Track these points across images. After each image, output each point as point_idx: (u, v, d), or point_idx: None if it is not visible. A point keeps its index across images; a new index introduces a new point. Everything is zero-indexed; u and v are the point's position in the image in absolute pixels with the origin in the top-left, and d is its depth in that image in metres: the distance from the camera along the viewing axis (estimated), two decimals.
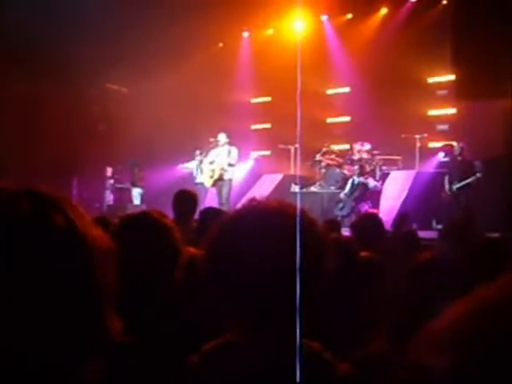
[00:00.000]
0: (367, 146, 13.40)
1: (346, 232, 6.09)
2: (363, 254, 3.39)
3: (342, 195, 12.59)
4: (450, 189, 11.60)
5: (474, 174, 11.36)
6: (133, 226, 2.34)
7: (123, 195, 14.92)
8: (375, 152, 13.44)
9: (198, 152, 13.75)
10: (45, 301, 0.91)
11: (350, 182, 12.75)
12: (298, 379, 1.32)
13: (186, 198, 5.36)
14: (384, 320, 2.15)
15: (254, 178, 14.65)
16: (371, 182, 12.67)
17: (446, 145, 12.54)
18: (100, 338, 0.97)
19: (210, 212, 5.00)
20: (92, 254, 0.97)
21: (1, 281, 0.89)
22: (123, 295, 2.21)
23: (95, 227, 1.03)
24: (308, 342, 1.45)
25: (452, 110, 14.24)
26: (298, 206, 1.47)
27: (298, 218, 1.40)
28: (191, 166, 13.70)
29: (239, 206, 1.54)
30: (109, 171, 15.21)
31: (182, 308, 2.31)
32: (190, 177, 13.92)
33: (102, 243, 1.01)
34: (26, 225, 0.93)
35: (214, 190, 12.86)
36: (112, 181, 15.19)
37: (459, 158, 11.73)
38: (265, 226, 1.42)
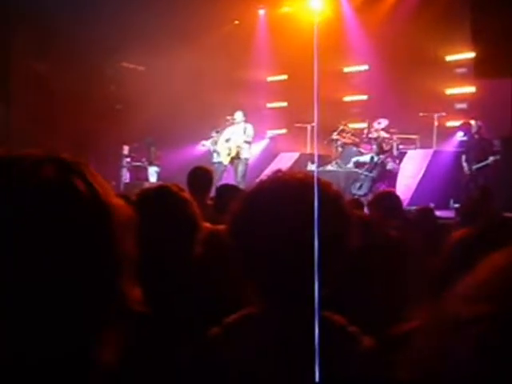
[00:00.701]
0: (385, 124, 13.29)
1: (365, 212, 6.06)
2: (380, 231, 3.35)
3: (360, 170, 12.54)
4: (469, 168, 11.50)
5: (492, 154, 11.24)
6: (151, 199, 2.33)
7: (140, 173, 14.97)
8: (393, 130, 13.33)
9: (214, 131, 13.73)
10: (67, 266, 0.90)
11: (368, 157, 12.68)
12: (316, 354, 1.30)
13: (201, 175, 5.34)
14: (415, 299, 2.12)
15: (270, 156, 14.60)
16: (389, 164, 12.60)
17: (464, 123, 12.40)
18: (120, 305, 0.96)
19: (226, 188, 4.99)
20: (113, 221, 0.96)
21: (25, 246, 0.88)
22: (141, 268, 2.21)
23: (116, 196, 1.02)
24: (331, 315, 1.43)
25: (471, 89, 14.05)
26: (321, 179, 1.45)
27: (322, 191, 1.38)
28: (210, 144, 13.67)
29: (263, 178, 1.51)
30: (125, 149, 15.24)
31: (199, 282, 2.31)
32: (207, 156, 13.91)
33: (123, 212, 1.00)
34: (49, 191, 0.92)
35: (230, 169, 12.88)
36: (129, 159, 15.23)
37: (477, 137, 11.62)
38: (290, 197, 1.40)
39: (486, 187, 8.81)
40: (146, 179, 14.36)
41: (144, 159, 14.94)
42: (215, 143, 13.37)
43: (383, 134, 13.14)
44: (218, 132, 13.53)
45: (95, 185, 0.98)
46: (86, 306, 0.92)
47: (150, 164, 14.75)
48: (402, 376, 0.68)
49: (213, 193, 5.41)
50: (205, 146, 13.83)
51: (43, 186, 0.92)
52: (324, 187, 1.42)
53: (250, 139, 12.73)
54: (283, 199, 1.39)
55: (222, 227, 2.33)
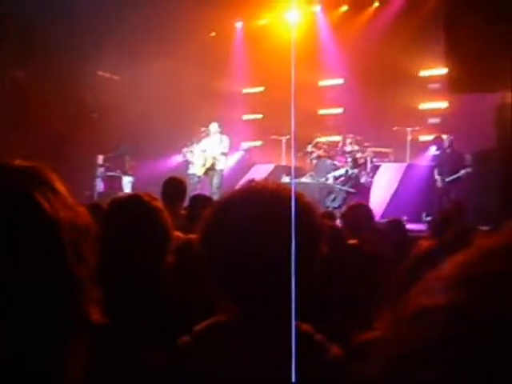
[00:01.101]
0: (358, 138, 13.41)
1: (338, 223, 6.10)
2: (352, 241, 3.39)
3: (332, 183, 12.61)
4: (441, 181, 11.64)
5: (463, 167, 11.40)
6: (123, 207, 2.32)
7: (114, 183, 14.88)
8: (367, 144, 13.45)
9: (189, 142, 13.73)
10: (22, 279, 0.88)
11: (343, 170, 12.76)
12: (293, 365, 1.32)
13: (174, 185, 5.35)
14: (375, 308, 2.15)
15: (245, 168, 14.64)
16: (363, 177, 12.71)
17: (436, 137, 12.56)
18: (79, 317, 0.95)
19: (199, 199, 5.00)
20: (62, 238, 0.94)
21: None
22: (113, 277, 2.21)
23: (70, 208, 1.00)
24: (299, 324, 1.44)
25: (444, 104, 14.26)
26: (294, 190, 1.47)
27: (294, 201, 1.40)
28: (188, 153, 13.61)
29: (237, 187, 1.52)
30: (100, 159, 15.14)
31: (170, 291, 2.30)
32: (182, 166, 13.89)
33: (78, 223, 0.98)
34: (6, 203, 0.91)
35: (205, 180, 12.87)
36: (103, 169, 15.14)
37: (448, 151, 11.78)
38: (262, 206, 1.41)
39: (459, 202, 8.93)
40: (121, 189, 14.28)
41: (118, 169, 14.87)
42: (191, 153, 13.39)
43: (357, 148, 13.25)
44: (193, 143, 13.54)
45: (43, 203, 0.95)
46: (43, 318, 0.90)
47: (124, 174, 14.68)
48: (368, 372, 0.69)
49: (187, 202, 5.42)
50: (186, 152, 13.76)
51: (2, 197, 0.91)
52: (296, 197, 1.44)
53: (226, 150, 12.76)
54: (255, 209, 1.41)
55: (194, 236, 2.34)
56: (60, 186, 1.00)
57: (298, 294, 1.42)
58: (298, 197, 1.45)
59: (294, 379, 1.28)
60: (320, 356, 1.40)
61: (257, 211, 1.41)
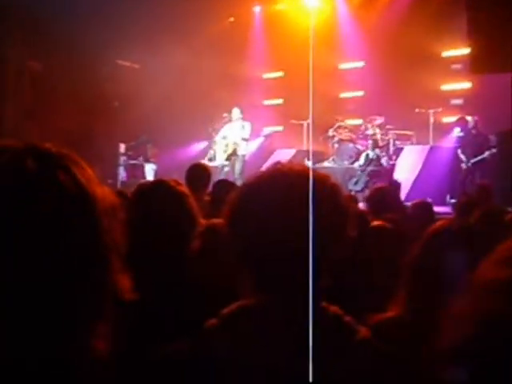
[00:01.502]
0: (380, 121, 13.31)
1: (361, 206, 6.07)
2: (375, 223, 3.37)
3: (356, 167, 12.56)
4: (465, 163, 11.51)
5: (488, 149, 11.27)
6: (149, 193, 2.33)
7: (136, 171, 14.95)
8: (388, 127, 13.34)
9: (210, 129, 13.75)
10: (53, 259, 0.89)
11: (364, 155, 12.69)
12: (310, 343, 1.31)
13: (199, 172, 5.36)
14: (399, 287, 2.14)
15: (266, 153, 14.60)
16: (385, 160, 12.63)
17: (460, 118, 12.41)
18: (110, 294, 0.96)
19: (223, 184, 4.99)
20: (97, 211, 0.95)
21: (8, 241, 0.87)
22: (138, 263, 2.21)
23: (100, 185, 1.01)
24: (328, 306, 1.44)
25: (467, 84, 14.06)
26: (319, 171, 1.45)
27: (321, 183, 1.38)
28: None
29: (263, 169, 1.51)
30: (122, 147, 15.22)
31: (196, 277, 2.31)
32: (204, 153, 13.93)
33: (107, 200, 0.99)
34: (30, 184, 0.91)
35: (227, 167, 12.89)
36: (125, 157, 15.21)
37: (473, 132, 11.64)
38: (289, 188, 1.40)
39: (485, 184, 8.81)
40: (143, 177, 14.34)
41: (141, 157, 14.93)
42: (214, 142, 13.42)
43: (379, 131, 13.16)
44: (214, 129, 13.54)
45: (78, 175, 0.96)
46: (76, 296, 0.91)
47: (147, 161, 14.74)
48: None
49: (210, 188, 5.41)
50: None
51: (23, 179, 0.91)
52: (322, 179, 1.43)
53: (247, 136, 12.74)
54: (281, 191, 1.39)
55: (217, 221, 2.34)
56: (89, 168, 1.01)
57: (327, 276, 1.41)
58: (324, 179, 1.44)
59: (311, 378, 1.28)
60: (349, 337, 1.39)
61: (283, 193, 1.39)
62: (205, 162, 12.49)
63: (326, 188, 1.43)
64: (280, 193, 1.40)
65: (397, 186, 7.66)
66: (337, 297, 1.51)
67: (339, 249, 1.44)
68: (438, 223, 2.24)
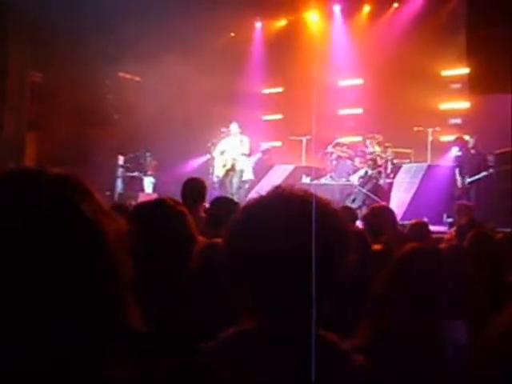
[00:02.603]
0: (379, 138, 13.35)
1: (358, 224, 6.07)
2: (376, 246, 3.38)
3: (354, 184, 12.57)
4: (462, 182, 11.54)
5: (486, 169, 11.30)
6: (148, 212, 2.34)
7: (135, 184, 14.94)
8: (387, 145, 13.39)
9: (209, 143, 13.77)
10: (61, 289, 0.89)
11: (362, 171, 12.72)
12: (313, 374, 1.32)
13: (194, 186, 5.33)
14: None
15: (264, 168, 14.61)
16: (383, 178, 12.66)
17: (459, 138, 12.44)
18: (120, 327, 0.96)
19: (221, 201, 4.99)
20: (110, 244, 0.96)
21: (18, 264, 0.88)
22: (137, 283, 2.22)
23: (113, 215, 1.01)
24: (324, 333, 1.44)
25: (465, 104, 14.13)
26: (319, 196, 1.47)
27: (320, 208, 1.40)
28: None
29: (258, 194, 1.52)
30: (120, 160, 15.22)
31: (196, 297, 2.31)
32: (204, 167, 13.95)
33: (116, 231, 0.99)
34: (45, 209, 0.92)
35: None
36: (123, 169, 15.22)
37: (472, 152, 11.67)
38: (289, 213, 1.41)
39: (464, 204, 8.84)
40: (142, 190, 14.34)
41: (139, 170, 14.92)
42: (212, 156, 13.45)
43: (377, 148, 13.19)
44: (213, 144, 13.56)
45: (96, 207, 0.97)
46: (83, 329, 0.91)
47: (145, 174, 14.74)
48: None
49: (208, 204, 5.40)
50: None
51: (39, 204, 0.92)
52: (323, 205, 1.44)
53: (247, 151, 12.74)
54: (282, 215, 1.41)
55: (218, 241, 2.35)
56: (96, 193, 1.02)
57: (325, 302, 1.42)
58: (325, 204, 1.46)
59: None
60: (345, 366, 1.40)
61: (283, 218, 1.41)
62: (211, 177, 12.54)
63: (328, 213, 1.45)
64: (280, 217, 1.41)
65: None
66: (336, 323, 1.52)
67: (339, 273, 1.45)
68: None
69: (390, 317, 1.99)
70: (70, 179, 0.99)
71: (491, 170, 11.17)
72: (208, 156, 14.16)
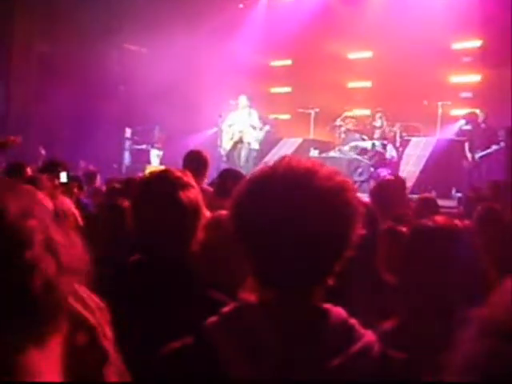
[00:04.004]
0: (388, 112, 13.24)
1: (364, 197, 6.02)
2: (388, 223, 3.33)
3: (361, 157, 12.52)
4: (472, 157, 11.44)
5: (496, 143, 11.19)
6: (154, 183, 2.30)
7: (141, 156, 14.93)
8: (396, 118, 13.27)
9: (218, 116, 13.70)
10: None
11: (369, 143, 12.66)
12: None
13: (195, 158, 5.28)
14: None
15: (272, 141, 14.55)
16: (389, 150, 12.56)
17: (470, 113, 12.29)
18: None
19: (229, 173, 4.95)
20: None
21: None
22: (142, 252, 2.19)
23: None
24: (332, 308, 1.41)
25: (476, 77, 13.96)
26: (327, 167, 1.42)
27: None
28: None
29: (268, 162, 1.48)
30: (128, 132, 15.19)
31: (201, 268, 2.28)
32: (211, 140, 13.90)
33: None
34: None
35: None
36: (131, 142, 15.20)
37: (483, 126, 11.55)
38: (296, 185, 1.36)
39: (498, 181, 8.68)
40: (148, 162, 14.33)
41: (146, 143, 14.90)
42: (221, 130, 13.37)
43: (386, 122, 13.09)
44: (221, 116, 13.48)
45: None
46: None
47: (152, 147, 14.71)
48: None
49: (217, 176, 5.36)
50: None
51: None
52: (330, 175, 1.39)
53: (255, 124, 12.67)
54: (288, 186, 1.36)
55: (223, 213, 2.31)
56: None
57: (334, 276, 1.38)
58: (332, 175, 1.40)
59: None
60: (354, 341, 1.37)
61: (290, 189, 1.36)
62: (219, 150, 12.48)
63: (335, 184, 1.39)
64: (287, 189, 1.36)
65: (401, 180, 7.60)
66: (343, 297, 1.48)
67: (347, 247, 1.40)
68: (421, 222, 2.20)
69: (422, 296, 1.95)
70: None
71: (502, 144, 11.05)
72: (215, 129, 14.08)
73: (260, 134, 12.89)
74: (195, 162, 5.19)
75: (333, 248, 1.37)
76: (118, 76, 15.06)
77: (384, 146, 12.60)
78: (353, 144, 13.07)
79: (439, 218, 2.10)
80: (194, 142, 14.18)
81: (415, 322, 1.92)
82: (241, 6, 16.68)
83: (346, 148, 13.17)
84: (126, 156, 15.13)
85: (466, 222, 2.19)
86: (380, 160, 12.39)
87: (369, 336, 1.39)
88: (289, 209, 1.34)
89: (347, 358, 1.33)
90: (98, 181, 8.05)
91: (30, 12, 13.62)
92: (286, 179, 1.37)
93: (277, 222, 1.34)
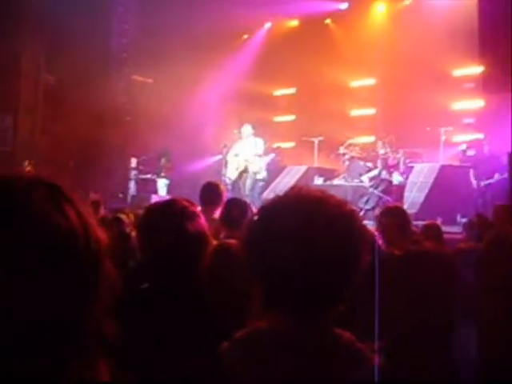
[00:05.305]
0: (391, 139, 13.30)
1: (370, 225, 6.05)
2: (390, 250, 3.36)
3: (367, 185, 12.54)
4: (477, 184, 11.46)
5: (500, 169, 11.21)
6: (161, 212, 2.34)
7: (148, 186, 14.95)
8: (399, 145, 13.33)
9: (222, 145, 13.76)
10: (37, 293, 0.88)
11: (375, 171, 12.68)
12: None
13: (211, 190, 5.34)
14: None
15: (277, 169, 14.60)
16: (396, 177, 12.59)
17: (474, 139, 12.36)
18: (87, 340, 0.94)
19: (234, 202, 4.98)
20: (96, 257, 0.94)
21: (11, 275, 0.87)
22: (150, 280, 2.22)
23: (101, 229, 1.00)
24: (341, 333, 1.44)
25: (478, 103, 14.06)
26: (336, 196, 1.46)
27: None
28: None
29: (275, 194, 1.52)
30: (133, 162, 15.27)
31: (206, 295, 2.31)
32: (216, 168, 13.95)
33: (104, 246, 0.98)
34: (41, 219, 0.90)
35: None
36: (136, 171, 15.26)
37: (486, 152, 11.60)
38: (307, 213, 1.41)
39: (505, 205, 8.68)
40: (155, 192, 14.35)
41: (152, 172, 14.94)
42: (226, 157, 13.41)
43: (390, 149, 13.14)
44: (225, 146, 13.54)
45: (86, 216, 0.95)
46: (51, 340, 0.90)
47: (159, 176, 14.75)
48: None
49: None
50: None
51: (34, 214, 0.91)
52: (339, 205, 1.44)
53: (260, 152, 12.71)
54: (300, 215, 1.41)
55: (232, 241, 2.34)
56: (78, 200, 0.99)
57: (343, 302, 1.42)
58: (341, 204, 1.45)
59: None
60: (361, 365, 1.40)
61: (301, 218, 1.41)
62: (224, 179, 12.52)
63: (345, 212, 1.44)
64: (298, 217, 1.41)
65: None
66: (351, 322, 1.51)
67: (355, 274, 1.44)
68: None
69: (405, 320, 1.99)
70: (45, 184, 0.97)
71: (504, 175, 11.07)
72: (220, 156, 14.15)
73: (265, 162, 12.95)
74: (212, 194, 5.27)
75: (343, 273, 1.41)
76: (124, 107, 15.20)
77: (390, 174, 12.64)
78: (364, 177, 13.02)
79: (428, 244, 2.13)
80: (198, 170, 14.25)
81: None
82: (245, 36, 16.87)
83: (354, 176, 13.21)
84: (132, 186, 15.18)
85: (472, 243, 2.22)
86: (386, 187, 12.41)
87: (375, 359, 1.42)
88: (301, 235, 1.38)
89: (356, 381, 1.36)
90: (102, 210, 8.08)
91: (37, 44, 13.82)
92: (298, 207, 1.42)
93: (289, 249, 1.38)
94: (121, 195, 14.57)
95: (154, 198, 12.60)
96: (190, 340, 2.01)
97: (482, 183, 11.36)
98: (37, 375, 0.88)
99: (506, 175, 11.06)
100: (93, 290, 0.93)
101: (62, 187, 0.96)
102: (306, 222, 1.39)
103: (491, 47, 11.28)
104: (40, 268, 0.88)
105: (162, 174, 14.73)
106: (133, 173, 15.25)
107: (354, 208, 1.51)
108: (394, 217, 5.00)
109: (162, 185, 14.54)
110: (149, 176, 14.96)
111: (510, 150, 11.23)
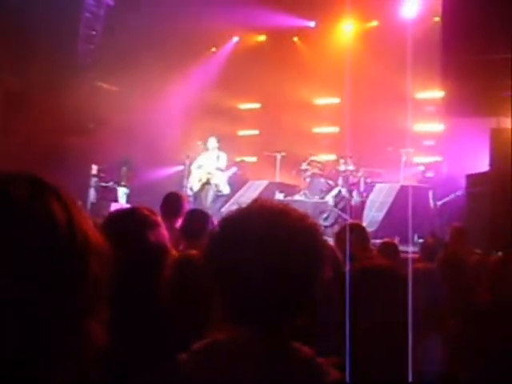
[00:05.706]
0: (353, 158, 13.46)
1: (329, 241, 6.09)
2: (355, 265, 3.38)
3: (327, 202, 12.63)
4: (435, 204, 11.68)
5: (458, 190, 11.44)
6: (121, 221, 2.32)
7: (108, 194, 14.78)
8: (360, 164, 13.49)
9: (185, 156, 13.72)
10: (32, 294, 0.87)
11: (336, 190, 12.79)
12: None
13: (173, 201, 5.34)
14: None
15: (238, 183, 14.61)
16: (355, 197, 12.72)
17: (434, 161, 12.61)
18: (77, 342, 0.93)
19: (195, 213, 4.98)
20: (87, 252, 0.93)
21: None
22: (108, 292, 2.20)
23: (92, 226, 0.98)
24: (300, 347, 1.45)
25: (439, 126, 14.34)
26: (298, 210, 1.48)
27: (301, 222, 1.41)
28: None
29: (238, 206, 1.53)
30: (94, 169, 15.09)
31: (168, 307, 2.29)
32: (177, 179, 13.88)
33: (98, 241, 0.97)
34: (21, 213, 0.89)
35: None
36: (97, 179, 15.08)
37: (444, 174, 11.84)
38: (269, 225, 1.42)
39: (459, 226, 8.89)
40: (115, 200, 14.21)
41: (112, 180, 14.80)
42: (189, 168, 13.37)
43: (351, 167, 13.28)
44: (188, 157, 13.51)
45: (74, 211, 0.94)
46: (41, 342, 0.88)
47: (119, 185, 14.62)
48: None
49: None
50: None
51: (13, 207, 0.89)
52: (302, 218, 1.45)
53: (222, 166, 12.74)
54: (262, 227, 1.41)
55: (193, 252, 2.34)
56: (65, 194, 0.98)
57: (303, 315, 1.43)
58: (304, 218, 1.47)
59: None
60: (321, 380, 1.40)
61: (263, 230, 1.41)
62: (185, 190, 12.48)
63: (307, 226, 1.46)
64: (261, 229, 1.41)
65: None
66: (310, 336, 1.53)
67: (315, 288, 1.45)
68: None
69: (361, 334, 2.00)
70: (39, 180, 0.96)
71: (459, 192, 11.31)
72: (182, 167, 14.10)
73: (226, 176, 12.96)
74: (174, 204, 5.26)
75: (303, 286, 1.42)
76: (87, 113, 15.02)
77: (350, 192, 12.77)
78: (328, 196, 13.08)
79: (378, 260, 2.17)
80: (159, 180, 14.16)
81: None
82: (213, 49, 16.90)
83: (315, 193, 13.30)
84: (92, 193, 14.99)
85: (427, 264, 2.26)
86: (345, 205, 12.52)
87: (335, 374, 1.43)
88: (263, 247, 1.39)
89: None
90: None
91: (1, 47, 13.58)
92: (261, 219, 1.43)
93: (251, 260, 1.38)
94: (80, 202, 14.36)
95: (114, 207, 12.47)
96: (149, 350, 2.00)
97: (439, 203, 11.58)
98: (23, 377, 0.86)
99: (459, 193, 11.30)
100: (78, 287, 0.91)
101: (45, 181, 0.95)
102: (268, 234, 1.40)
103: (452, 73, 11.50)
104: (19, 261, 0.86)
105: (123, 183, 14.61)
106: (93, 180, 15.07)
107: (316, 222, 1.52)
108: (353, 233, 5.07)
109: (121, 193, 14.43)
110: (110, 184, 14.80)
111: (467, 173, 11.48)
